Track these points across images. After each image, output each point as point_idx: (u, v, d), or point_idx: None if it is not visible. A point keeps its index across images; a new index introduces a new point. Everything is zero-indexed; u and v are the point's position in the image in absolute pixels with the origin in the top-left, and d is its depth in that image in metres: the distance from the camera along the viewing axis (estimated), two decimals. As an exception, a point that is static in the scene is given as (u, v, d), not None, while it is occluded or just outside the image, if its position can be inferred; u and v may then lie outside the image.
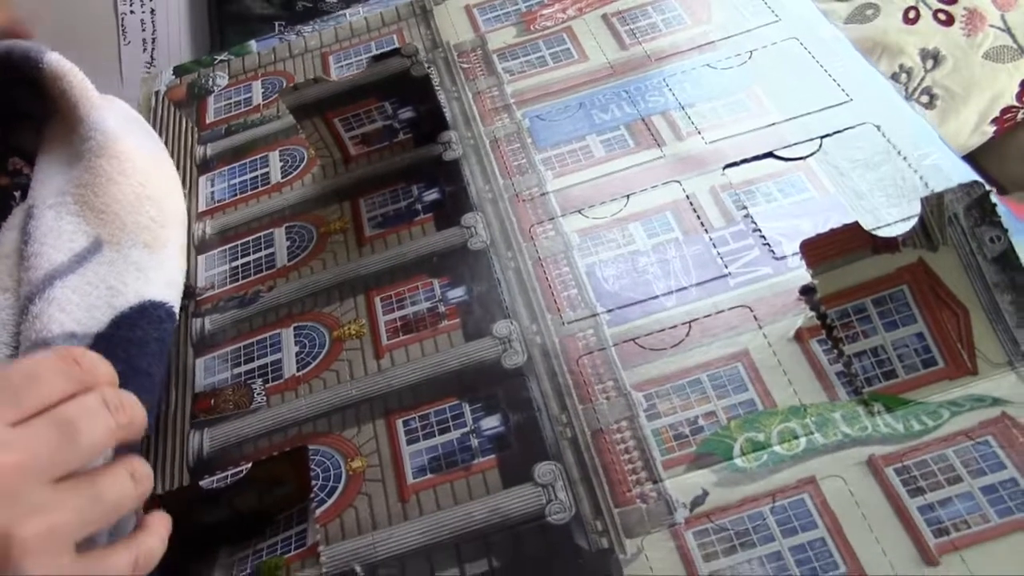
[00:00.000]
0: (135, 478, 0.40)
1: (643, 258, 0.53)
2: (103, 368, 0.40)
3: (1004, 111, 0.87)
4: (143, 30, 0.87)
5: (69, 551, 0.35)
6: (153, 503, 0.47)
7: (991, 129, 0.88)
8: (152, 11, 0.87)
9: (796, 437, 0.44)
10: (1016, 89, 0.86)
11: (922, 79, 0.86)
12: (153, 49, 0.87)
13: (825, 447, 0.44)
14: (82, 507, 0.36)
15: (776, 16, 0.64)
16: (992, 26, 0.86)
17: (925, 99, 0.86)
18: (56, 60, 0.57)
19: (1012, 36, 0.86)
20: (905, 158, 0.53)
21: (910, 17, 0.87)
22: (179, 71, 0.75)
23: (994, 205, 0.46)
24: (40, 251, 0.52)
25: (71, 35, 0.82)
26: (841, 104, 0.57)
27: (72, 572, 0.35)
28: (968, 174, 0.51)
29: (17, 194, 0.59)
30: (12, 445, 0.34)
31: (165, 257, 0.55)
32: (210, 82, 0.73)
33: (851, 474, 0.43)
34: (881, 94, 0.57)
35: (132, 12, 0.88)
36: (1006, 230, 0.46)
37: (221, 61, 0.74)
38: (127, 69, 0.77)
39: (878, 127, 0.55)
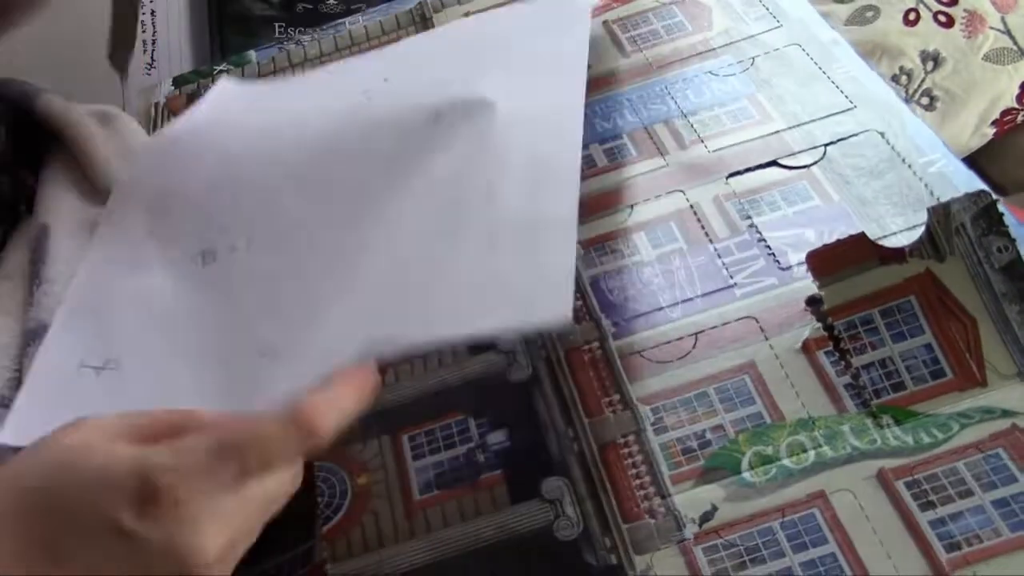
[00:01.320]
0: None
1: (648, 269, 0.53)
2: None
3: (1004, 113, 0.87)
4: (143, 31, 0.87)
5: None
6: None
7: (991, 131, 0.88)
8: (152, 12, 0.87)
9: (805, 450, 0.44)
10: (1016, 91, 0.87)
11: (922, 81, 0.86)
12: (153, 50, 0.87)
13: (834, 460, 0.43)
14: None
15: (778, 22, 0.64)
16: (992, 28, 0.86)
17: (925, 101, 0.86)
18: (46, 104, 0.58)
19: (1012, 38, 0.86)
20: (910, 166, 0.53)
21: (910, 19, 0.87)
22: (179, 82, 0.75)
23: (1001, 214, 0.46)
24: (59, 278, 0.51)
25: (71, 36, 0.82)
26: (845, 111, 0.57)
27: None
28: (974, 182, 0.51)
29: (22, 208, 0.58)
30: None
31: None
32: (209, 93, 0.72)
33: (861, 488, 0.42)
34: (884, 100, 0.57)
35: (132, 13, 0.87)
36: (1014, 240, 0.46)
37: (220, 71, 0.74)
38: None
39: (882, 134, 0.55)
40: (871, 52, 0.85)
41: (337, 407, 0.37)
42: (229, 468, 0.34)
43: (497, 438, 0.49)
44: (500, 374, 0.51)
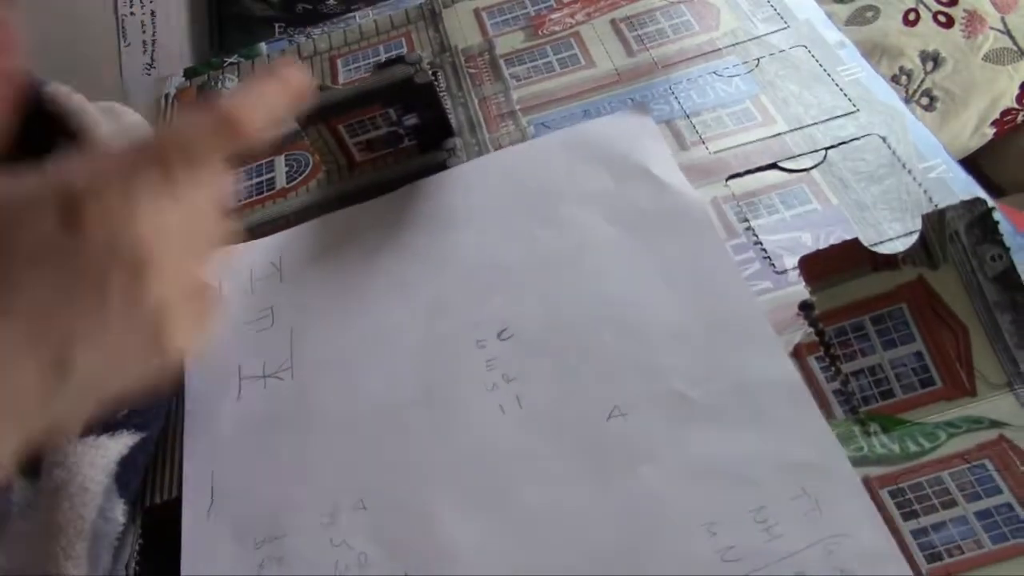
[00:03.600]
0: None
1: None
2: None
3: (1004, 113, 0.87)
4: (143, 32, 0.87)
5: None
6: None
7: (991, 131, 0.88)
8: (152, 13, 0.87)
9: (794, 456, 0.44)
10: (1016, 91, 0.87)
11: (922, 81, 0.86)
12: (153, 51, 0.87)
13: (821, 467, 0.44)
14: None
15: (785, 23, 0.64)
16: (992, 28, 0.86)
17: (925, 101, 0.86)
18: (54, 89, 0.58)
19: (1012, 38, 0.86)
20: (910, 171, 0.53)
21: (910, 19, 0.87)
22: (189, 73, 0.75)
23: (996, 223, 0.46)
24: None
25: (71, 37, 0.82)
26: (847, 114, 0.57)
27: None
28: (972, 188, 0.51)
29: None
30: None
31: None
32: (219, 85, 0.72)
33: (847, 495, 0.43)
34: (888, 104, 0.57)
35: (132, 14, 0.87)
36: (1008, 248, 0.46)
37: (231, 64, 0.74)
38: (127, 71, 0.77)
39: (884, 138, 0.55)
40: (871, 52, 0.85)
41: (263, 103, 0.36)
42: (150, 167, 0.32)
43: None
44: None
